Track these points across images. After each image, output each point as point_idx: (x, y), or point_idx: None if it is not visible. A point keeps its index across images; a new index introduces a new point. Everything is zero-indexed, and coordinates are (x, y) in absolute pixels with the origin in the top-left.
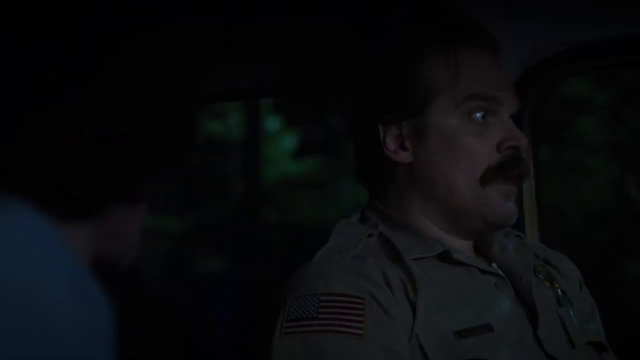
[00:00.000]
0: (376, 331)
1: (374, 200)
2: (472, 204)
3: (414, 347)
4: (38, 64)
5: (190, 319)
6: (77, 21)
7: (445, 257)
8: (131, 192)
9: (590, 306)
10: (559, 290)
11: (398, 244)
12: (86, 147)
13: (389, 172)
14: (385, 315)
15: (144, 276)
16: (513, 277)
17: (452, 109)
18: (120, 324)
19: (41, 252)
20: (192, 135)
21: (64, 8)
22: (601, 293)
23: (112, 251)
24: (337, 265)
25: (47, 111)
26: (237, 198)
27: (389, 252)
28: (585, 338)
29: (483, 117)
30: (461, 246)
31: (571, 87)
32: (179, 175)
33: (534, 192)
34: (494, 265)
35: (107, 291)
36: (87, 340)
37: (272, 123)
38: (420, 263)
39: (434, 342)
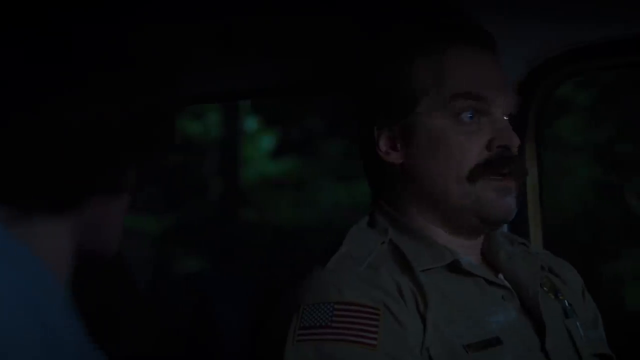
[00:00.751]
0: (389, 342)
1: (380, 201)
2: (463, 201)
3: (424, 359)
4: (13, 58)
5: (194, 321)
6: (56, 15)
7: (454, 267)
8: (110, 183)
9: (593, 313)
10: (565, 301)
11: (407, 252)
12: (61, 136)
13: (385, 173)
14: (399, 326)
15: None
16: (519, 288)
17: (440, 110)
18: (110, 323)
19: None
20: (169, 127)
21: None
22: None
23: (94, 243)
24: (352, 273)
25: (23, 103)
26: (216, 198)
27: (399, 261)
28: (591, 350)
29: (473, 116)
30: (467, 251)
31: None
32: (157, 172)
33: (538, 194)
34: (501, 276)
35: (94, 287)
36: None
37: (251, 123)
38: (429, 274)
39: (445, 355)
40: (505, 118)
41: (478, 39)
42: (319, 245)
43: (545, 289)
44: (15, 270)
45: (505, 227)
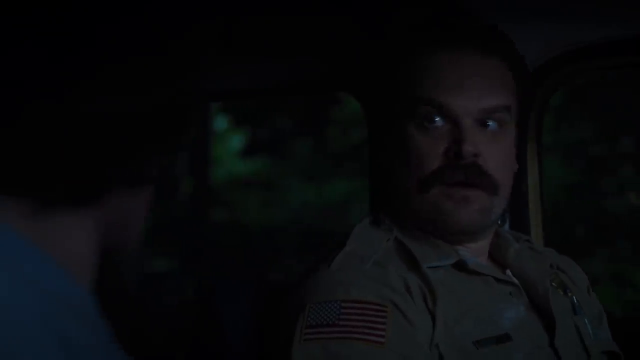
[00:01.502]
0: (398, 339)
1: (382, 202)
2: (421, 209)
3: (433, 356)
4: (32, 45)
5: (200, 320)
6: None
7: (461, 266)
8: (133, 174)
9: (598, 311)
10: (574, 298)
11: (414, 250)
12: (83, 126)
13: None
14: (407, 323)
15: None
16: (528, 285)
17: (408, 115)
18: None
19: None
20: (191, 118)
21: None
22: None
23: (115, 239)
24: (358, 271)
25: (42, 92)
26: (186, 198)
27: (405, 258)
28: (600, 347)
29: (439, 122)
30: (473, 253)
31: None
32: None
33: (539, 194)
34: (508, 272)
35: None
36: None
37: (221, 123)
38: (436, 270)
39: (454, 352)
40: (470, 125)
41: (464, 41)
42: (289, 245)
43: (554, 284)
44: (32, 283)
45: (506, 226)
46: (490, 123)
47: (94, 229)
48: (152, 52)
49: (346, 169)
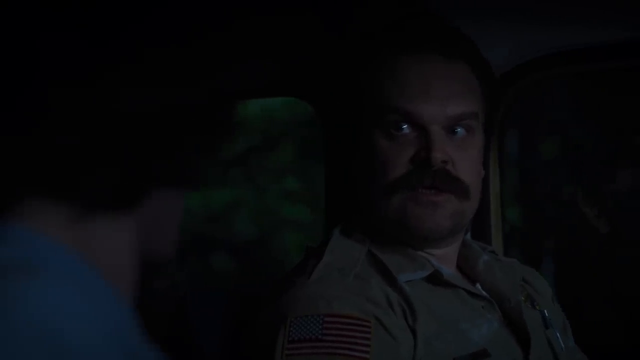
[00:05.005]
0: (382, 355)
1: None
2: (388, 214)
3: None
4: (71, 38)
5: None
6: None
7: (434, 278)
8: (174, 174)
9: (562, 320)
10: (545, 311)
11: (388, 263)
12: (124, 123)
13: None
14: (391, 338)
15: None
16: (500, 298)
17: (373, 123)
18: None
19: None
20: (232, 115)
21: None
22: None
23: (152, 247)
24: (340, 284)
25: (79, 87)
26: None
27: (380, 270)
28: (571, 359)
29: (405, 129)
30: (440, 261)
31: None
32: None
33: (500, 204)
34: (478, 286)
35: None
36: None
37: None
38: (412, 285)
39: None
40: (438, 131)
41: (428, 45)
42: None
43: (522, 298)
44: (98, 298)
45: (468, 235)
46: (458, 129)
47: (133, 236)
48: (194, 42)
49: (231, 177)
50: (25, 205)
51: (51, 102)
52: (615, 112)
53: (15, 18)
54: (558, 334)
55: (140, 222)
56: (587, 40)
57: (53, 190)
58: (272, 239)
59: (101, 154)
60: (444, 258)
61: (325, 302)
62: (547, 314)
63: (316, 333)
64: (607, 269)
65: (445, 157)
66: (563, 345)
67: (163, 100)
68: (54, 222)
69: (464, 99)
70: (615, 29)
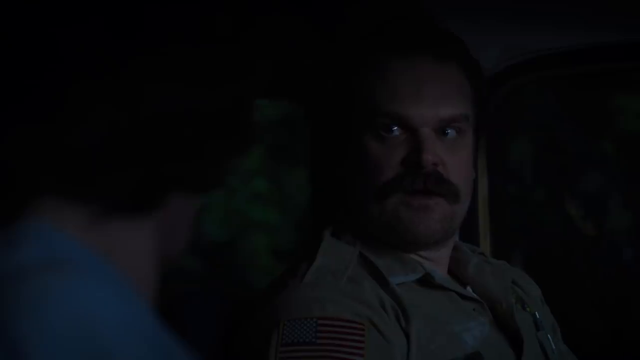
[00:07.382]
0: (376, 358)
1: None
2: (379, 218)
3: None
4: (94, 29)
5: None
6: None
7: (426, 280)
8: (195, 178)
9: (552, 322)
10: (536, 314)
11: (380, 265)
12: (147, 123)
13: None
14: (385, 341)
15: None
16: (491, 301)
17: (364, 125)
18: None
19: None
20: (253, 118)
21: None
22: None
23: (169, 247)
24: (333, 287)
25: (101, 80)
26: None
27: (372, 273)
28: None
29: (396, 132)
30: (432, 264)
31: None
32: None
33: (488, 207)
34: (469, 288)
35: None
36: None
37: None
38: (404, 288)
39: None
40: (429, 133)
41: (419, 46)
42: None
43: (513, 300)
44: (127, 298)
45: (456, 237)
46: (448, 131)
47: (153, 239)
48: (217, 44)
49: None
50: (47, 203)
51: (72, 96)
52: (589, 113)
53: (37, 9)
54: (549, 336)
55: (157, 225)
56: (579, 42)
57: (74, 190)
58: (240, 241)
59: (123, 153)
60: (435, 261)
61: (318, 305)
62: (538, 317)
63: (310, 336)
64: (576, 272)
65: (435, 159)
66: (554, 347)
67: (186, 101)
68: (74, 222)
69: (455, 100)
70: (606, 32)
